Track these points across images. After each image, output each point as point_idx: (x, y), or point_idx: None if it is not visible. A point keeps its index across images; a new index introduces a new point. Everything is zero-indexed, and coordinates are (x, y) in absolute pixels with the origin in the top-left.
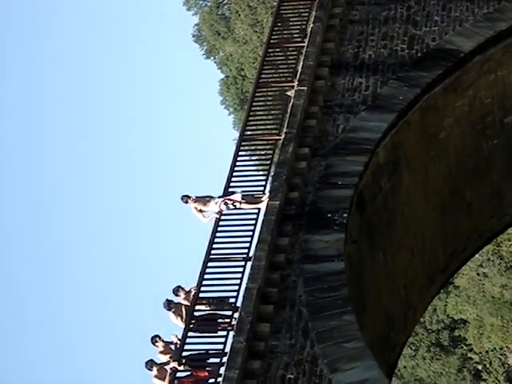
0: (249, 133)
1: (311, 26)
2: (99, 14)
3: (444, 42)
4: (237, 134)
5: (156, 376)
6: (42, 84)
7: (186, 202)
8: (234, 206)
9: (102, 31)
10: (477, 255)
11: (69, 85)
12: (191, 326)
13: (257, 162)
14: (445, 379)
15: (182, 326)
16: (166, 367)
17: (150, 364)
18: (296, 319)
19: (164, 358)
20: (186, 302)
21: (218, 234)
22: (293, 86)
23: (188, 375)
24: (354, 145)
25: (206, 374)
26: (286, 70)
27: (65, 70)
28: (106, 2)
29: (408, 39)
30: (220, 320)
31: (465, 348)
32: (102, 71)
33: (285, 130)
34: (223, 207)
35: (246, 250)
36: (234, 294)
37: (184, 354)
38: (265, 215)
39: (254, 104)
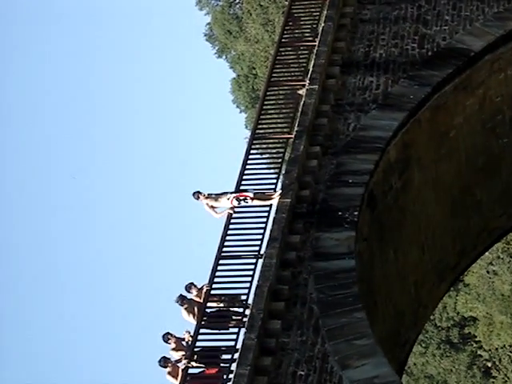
0: (260, 131)
1: (322, 25)
2: (111, 14)
3: (454, 41)
4: (248, 133)
5: (169, 373)
6: (47, 82)
7: (198, 198)
8: (246, 201)
9: (114, 31)
10: (487, 253)
11: (79, 84)
12: (203, 322)
13: (268, 161)
14: (455, 376)
15: (194, 322)
16: (178, 364)
17: (164, 361)
18: (307, 316)
19: (176, 355)
20: (198, 299)
21: (229, 232)
22: (304, 85)
23: (200, 372)
24: (364, 143)
25: (217, 370)
26: (297, 69)
27: (76, 68)
28: (118, 1)
29: (419, 38)
30: (232, 317)
31: (474, 345)
32: (114, 71)
33: (296, 128)
34: (235, 203)
35: (258, 248)
36: (246, 291)
37: (196, 350)
38: (276, 213)
39: (266, 103)
